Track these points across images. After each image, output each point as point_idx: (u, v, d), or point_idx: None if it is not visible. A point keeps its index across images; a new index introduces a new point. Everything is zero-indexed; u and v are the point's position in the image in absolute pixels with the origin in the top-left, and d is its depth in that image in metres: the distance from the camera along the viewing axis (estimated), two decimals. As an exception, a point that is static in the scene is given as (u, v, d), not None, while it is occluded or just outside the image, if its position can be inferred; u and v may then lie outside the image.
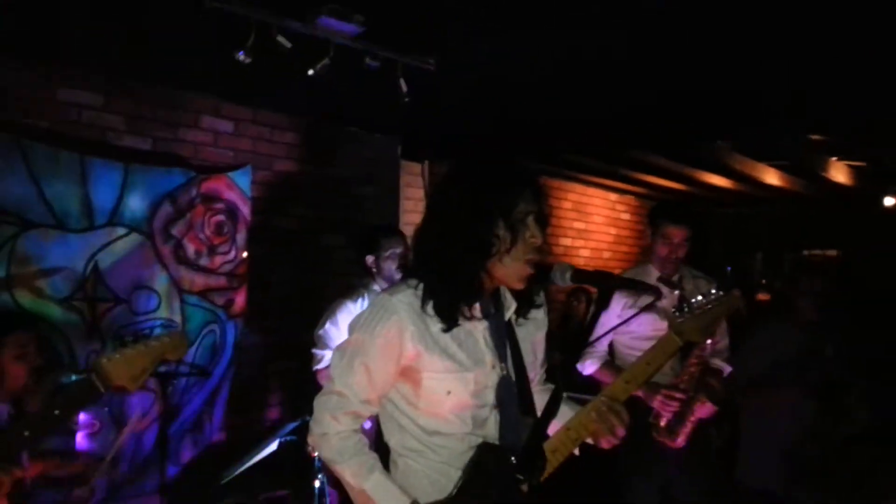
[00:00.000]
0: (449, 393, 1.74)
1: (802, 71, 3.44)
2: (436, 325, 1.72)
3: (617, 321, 2.79)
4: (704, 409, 3.16)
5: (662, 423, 3.11)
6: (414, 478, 1.78)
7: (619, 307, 3.04)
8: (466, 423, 1.76)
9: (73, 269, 3.40)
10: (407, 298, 1.74)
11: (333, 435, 1.76)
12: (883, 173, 6.34)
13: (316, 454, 2.85)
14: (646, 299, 3.05)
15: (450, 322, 1.72)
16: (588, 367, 3.23)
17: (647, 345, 3.11)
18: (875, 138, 5.16)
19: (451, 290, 1.72)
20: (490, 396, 1.77)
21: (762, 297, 5.31)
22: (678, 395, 3.05)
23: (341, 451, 1.75)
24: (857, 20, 2.79)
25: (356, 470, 1.74)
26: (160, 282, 3.70)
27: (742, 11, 2.74)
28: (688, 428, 3.12)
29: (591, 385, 3.27)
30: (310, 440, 1.83)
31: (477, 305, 1.76)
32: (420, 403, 1.76)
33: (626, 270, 3.64)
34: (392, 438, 1.83)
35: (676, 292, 3.22)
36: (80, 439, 3.31)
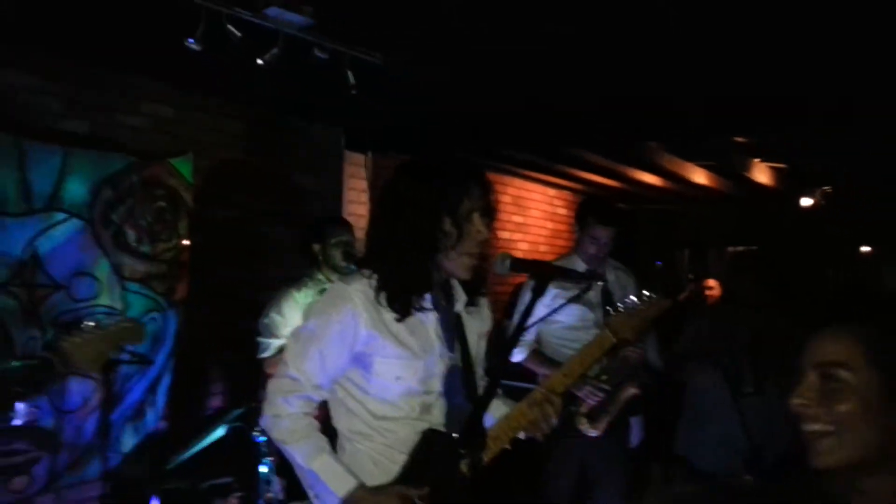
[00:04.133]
0: (398, 378, 1.81)
1: (727, 77, 3.65)
2: (389, 314, 1.80)
3: (546, 311, 2.91)
4: (626, 393, 3.35)
5: (583, 411, 3.28)
6: (361, 460, 1.84)
7: (549, 297, 3.15)
8: (414, 409, 1.84)
9: (11, 255, 3.31)
10: (361, 287, 1.81)
11: (285, 417, 1.81)
12: (801, 175, 6.71)
13: (262, 440, 2.89)
14: (574, 289, 3.21)
15: (402, 312, 1.80)
16: (516, 354, 3.31)
17: (573, 334, 3.31)
18: (794, 141, 5.48)
19: (401, 281, 1.80)
20: (437, 384, 1.86)
21: (711, 283, 5.62)
22: (605, 387, 3.21)
23: (292, 432, 1.81)
24: (775, 30, 2.99)
25: (306, 451, 1.79)
26: (100, 268, 3.64)
27: (672, 22, 2.91)
28: (608, 420, 3.29)
29: (521, 372, 3.40)
30: (261, 422, 1.89)
31: (427, 296, 1.85)
32: (370, 388, 1.83)
33: (554, 261, 3.73)
34: (340, 422, 1.90)
35: (601, 284, 3.39)
36: (20, 428, 3.24)
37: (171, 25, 2.84)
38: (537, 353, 3.38)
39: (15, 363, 2.73)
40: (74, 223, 3.55)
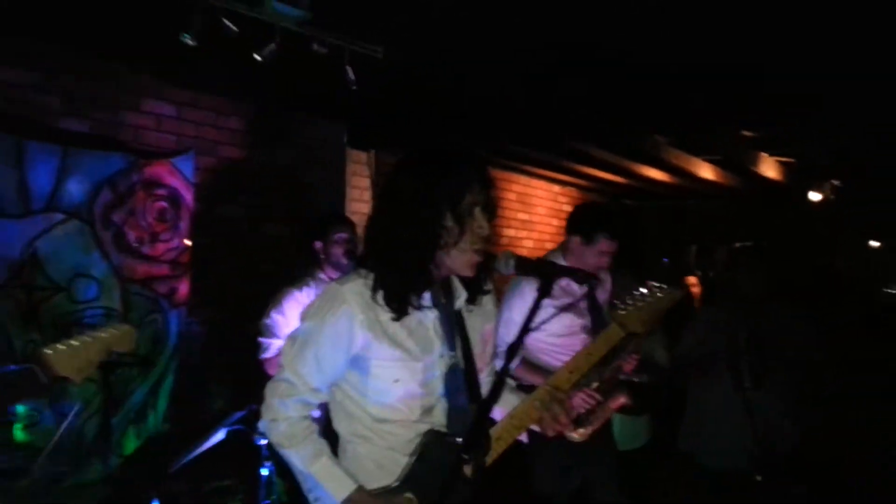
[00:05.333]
0: (397, 381, 1.77)
1: (734, 70, 3.59)
2: (385, 314, 1.75)
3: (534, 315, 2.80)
4: (616, 402, 3.26)
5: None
6: (362, 463, 1.80)
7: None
8: (414, 410, 1.79)
9: (10, 256, 3.29)
10: (357, 287, 1.76)
11: (282, 420, 1.78)
12: (809, 169, 6.64)
13: (263, 442, 2.85)
14: (563, 293, 3.13)
15: (399, 311, 1.75)
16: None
17: (556, 341, 3.22)
18: (802, 135, 5.42)
19: (400, 279, 1.75)
20: (438, 385, 1.81)
21: (691, 280, 5.53)
22: (597, 397, 3.08)
23: (290, 436, 1.78)
24: (786, 24, 2.94)
25: (304, 455, 1.76)
26: (100, 269, 3.61)
27: (678, 16, 2.86)
28: (595, 427, 3.20)
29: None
30: (260, 425, 1.87)
31: (427, 294, 1.79)
32: (369, 391, 1.79)
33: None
34: (341, 425, 1.86)
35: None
36: (19, 432, 3.21)
37: (169, 21, 2.80)
38: (526, 361, 3.29)
39: (14, 367, 2.68)
40: (74, 224, 3.52)
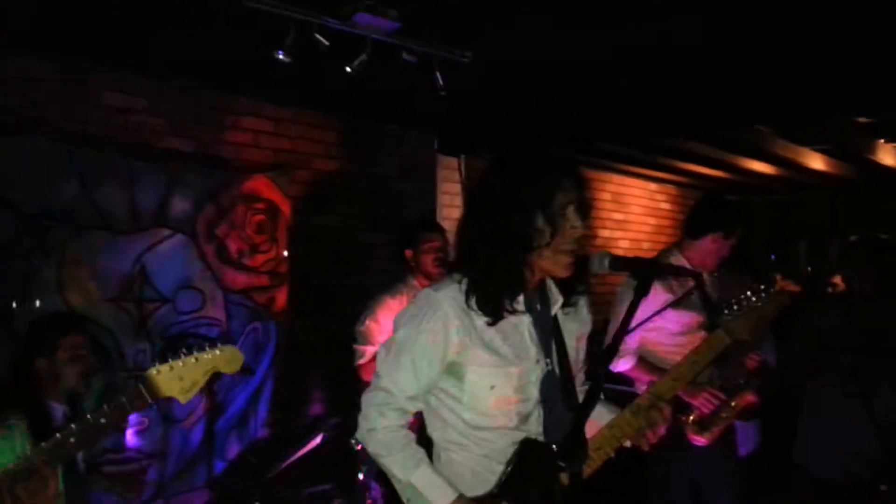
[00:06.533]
0: (492, 388, 1.74)
1: (846, 51, 3.35)
2: (480, 320, 1.73)
3: (650, 313, 2.72)
4: (743, 400, 3.13)
5: (694, 419, 3.06)
6: (457, 471, 1.79)
7: (656, 302, 2.93)
8: (511, 418, 1.76)
9: (121, 270, 3.48)
10: (451, 293, 1.74)
11: (380, 430, 1.77)
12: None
13: (360, 447, 2.87)
14: (682, 289, 3.00)
15: (493, 316, 1.72)
16: (622, 364, 3.10)
17: (675, 340, 3.09)
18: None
19: (493, 284, 1.72)
20: (534, 391, 1.77)
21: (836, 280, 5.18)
22: (721, 396, 3.01)
23: (388, 445, 1.77)
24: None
25: (403, 464, 1.75)
26: (204, 281, 3.77)
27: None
28: (720, 427, 3.07)
29: (623, 380, 3.22)
30: (358, 435, 1.85)
31: (521, 299, 1.76)
32: (464, 398, 1.77)
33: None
34: (435, 432, 1.85)
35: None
36: (130, 436, 3.39)
37: (262, 40, 2.89)
38: (643, 361, 3.18)
39: (124, 374, 2.83)
40: (179, 238, 3.70)
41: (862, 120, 5.02)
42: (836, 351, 3.15)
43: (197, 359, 1.90)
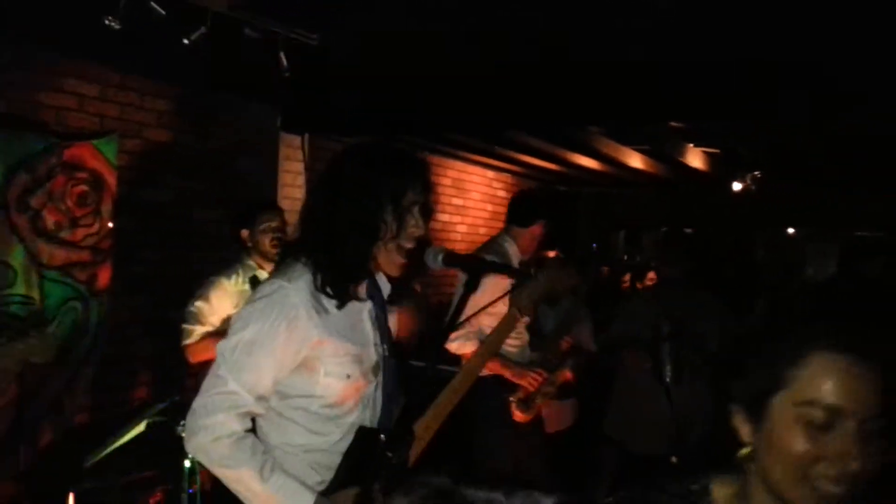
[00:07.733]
0: (348, 377, 1.75)
1: (663, 63, 3.69)
2: (331, 304, 1.73)
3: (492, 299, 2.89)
4: (560, 377, 3.57)
5: (520, 396, 3.38)
6: (298, 469, 1.74)
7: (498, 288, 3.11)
8: (357, 402, 1.79)
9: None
10: (304, 284, 1.71)
11: (226, 437, 1.64)
12: (733, 160, 6.88)
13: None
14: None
15: (341, 300, 1.74)
16: (467, 346, 3.22)
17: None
18: (727, 127, 5.60)
19: (342, 268, 1.74)
20: (376, 376, 1.83)
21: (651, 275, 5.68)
22: (544, 374, 3.36)
23: (237, 453, 1.64)
24: (714, 20, 3.02)
25: (257, 471, 1.64)
26: (16, 255, 3.45)
27: (614, 10, 2.91)
28: (541, 405, 3.45)
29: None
30: (190, 448, 1.70)
31: (363, 286, 1.82)
32: (317, 390, 1.74)
33: (482, 249, 3.58)
34: (272, 434, 1.77)
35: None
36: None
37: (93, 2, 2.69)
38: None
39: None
40: (-13, 208, 3.36)
41: (675, 125, 5.51)
42: (647, 337, 3.49)
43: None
